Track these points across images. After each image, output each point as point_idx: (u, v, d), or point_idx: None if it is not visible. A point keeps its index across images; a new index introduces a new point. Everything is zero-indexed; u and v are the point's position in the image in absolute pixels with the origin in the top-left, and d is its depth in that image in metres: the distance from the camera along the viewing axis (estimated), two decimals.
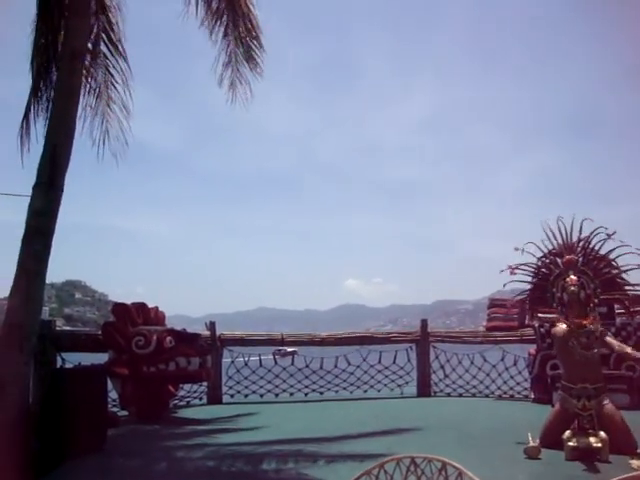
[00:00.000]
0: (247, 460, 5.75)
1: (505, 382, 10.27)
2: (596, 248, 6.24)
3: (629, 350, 5.94)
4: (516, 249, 6.41)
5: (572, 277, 5.97)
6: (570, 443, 5.49)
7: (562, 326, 6.03)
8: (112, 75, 8.29)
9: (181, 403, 10.40)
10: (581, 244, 6.28)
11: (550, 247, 6.42)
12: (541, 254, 6.45)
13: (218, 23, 8.53)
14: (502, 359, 10.39)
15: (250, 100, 8.72)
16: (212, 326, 10.84)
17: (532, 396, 9.60)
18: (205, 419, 8.79)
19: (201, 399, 10.61)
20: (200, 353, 8.86)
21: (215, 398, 10.59)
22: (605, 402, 5.82)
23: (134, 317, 9.02)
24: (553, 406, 6.45)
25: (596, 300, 6.09)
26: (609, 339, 6.05)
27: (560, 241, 6.36)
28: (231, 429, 7.84)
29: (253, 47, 8.59)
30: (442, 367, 10.83)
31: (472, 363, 10.63)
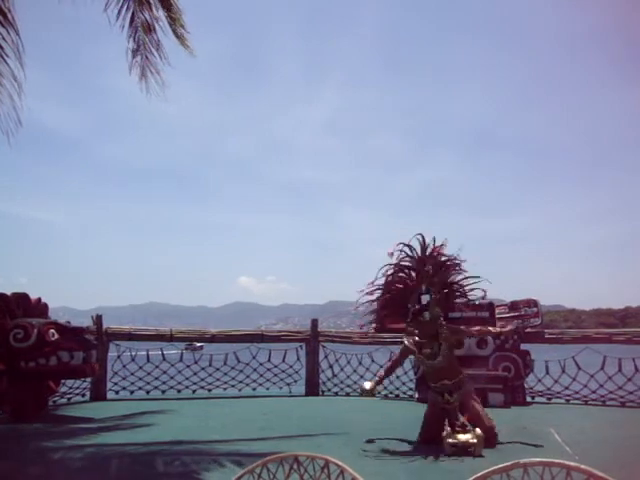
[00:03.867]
0: (132, 460, 5.56)
1: (391, 382, 10.53)
2: (445, 259, 6.77)
3: (491, 329, 6.50)
4: (390, 254, 6.71)
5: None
6: (449, 440, 5.73)
7: (408, 341, 6.60)
8: (1, 47, 7.78)
9: (62, 400, 9.95)
10: (433, 258, 6.70)
11: (407, 261, 6.84)
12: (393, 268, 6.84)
13: (125, 8, 8.16)
14: (389, 360, 10.65)
15: (160, 91, 8.38)
16: (98, 319, 10.49)
17: (417, 396, 9.90)
18: (87, 417, 8.43)
19: (84, 395, 10.22)
20: (84, 347, 8.49)
21: (99, 394, 10.23)
22: (466, 390, 6.27)
23: (13, 308, 8.48)
24: None
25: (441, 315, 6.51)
26: (464, 330, 6.62)
27: (416, 256, 6.77)
28: (115, 427, 7.55)
29: (163, 35, 8.27)
30: (331, 367, 10.98)
31: (360, 363, 10.83)
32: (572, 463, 1.80)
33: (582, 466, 1.78)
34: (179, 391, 10.85)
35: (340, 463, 2.05)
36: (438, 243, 6.77)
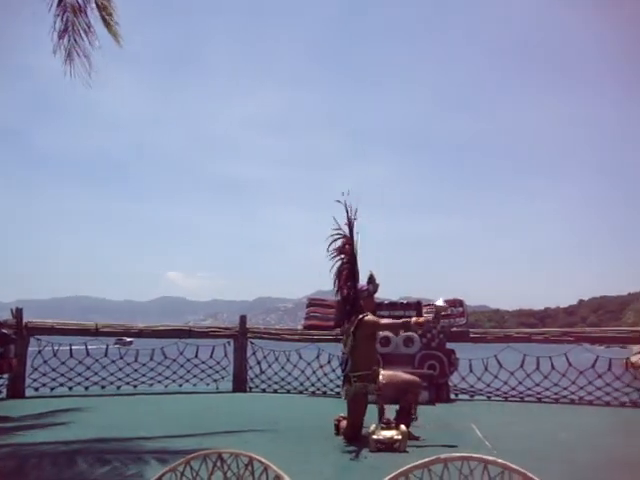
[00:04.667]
0: (52, 460, 5.33)
1: (319, 379, 10.60)
2: None
3: (405, 320, 6.60)
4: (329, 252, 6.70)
5: None
6: (374, 436, 5.81)
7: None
8: None
9: None
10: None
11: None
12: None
13: None
14: (317, 357, 10.74)
15: (89, 76, 8.07)
16: (18, 313, 10.11)
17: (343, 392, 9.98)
18: (3, 416, 8.05)
19: (0, 393, 9.83)
20: (1, 342, 8.18)
21: (16, 392, 9.84)
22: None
23: None
24: None
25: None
26: (378, 322, 6.52)
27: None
28: (33, 426, 7.24)
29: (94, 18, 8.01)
30: (259, 363, 10.96)
31: (288, 360, 10.85)
32: (489, 457, 1.86)
33: (499, 460, 1.84)
34: (103, 387, 10.60)
35: (264, 460, 2.05)
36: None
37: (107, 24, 8.07)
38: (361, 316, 6.39)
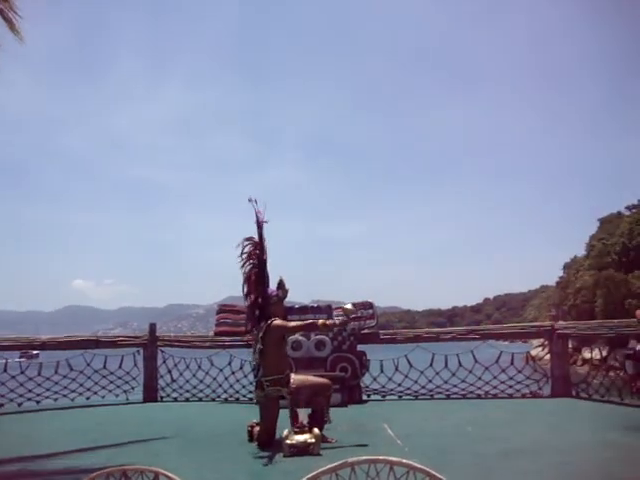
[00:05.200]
0: None
1: (231, 386, 10.50)
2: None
3: (313, 321, 6.66)
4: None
5: None
6: (287, 441, 5.81)
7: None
8: None
9: None
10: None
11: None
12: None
13: None
14: (229, 363, 10.63)
15: None
16: None
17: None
18: None
19: None
20: None
21: None
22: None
23: None
24: None
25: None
26: (285, 325, 6.55)
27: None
28: None
29: None
30: (169, 372, 10.73)
31: (200, 367, 10.69)
32: (395, 458, 1.90)
33: (403, 460, 1.89)
34: (1, 405, 10.08)
35: (171, 475, 2.00)
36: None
37: (7, 20, 7.68)
38: (269, 321, 6.41)
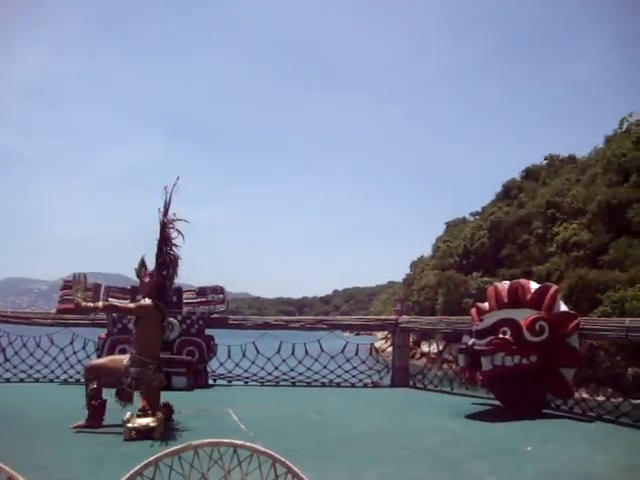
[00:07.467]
0: None
1: (72, 366, 10.02)
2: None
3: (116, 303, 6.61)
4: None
5: None
6: (129, 424, 5.67)
7: None
8: None
9: None
10: None
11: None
12: None
13: None
14: (71, 342, 10.14)
15: None
16: None
17: None
18: None
19: None
20: None
21: None
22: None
23: None
24: None
25: None
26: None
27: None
28: None
29: None
30: (3, 350, 10.04)
31: (38, 346, 10.10)
32: (238, 442, 1.94)
33: (247, 443, 1.93)
34: None
35: (6, 469, 1.90)
36: None
37: None
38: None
